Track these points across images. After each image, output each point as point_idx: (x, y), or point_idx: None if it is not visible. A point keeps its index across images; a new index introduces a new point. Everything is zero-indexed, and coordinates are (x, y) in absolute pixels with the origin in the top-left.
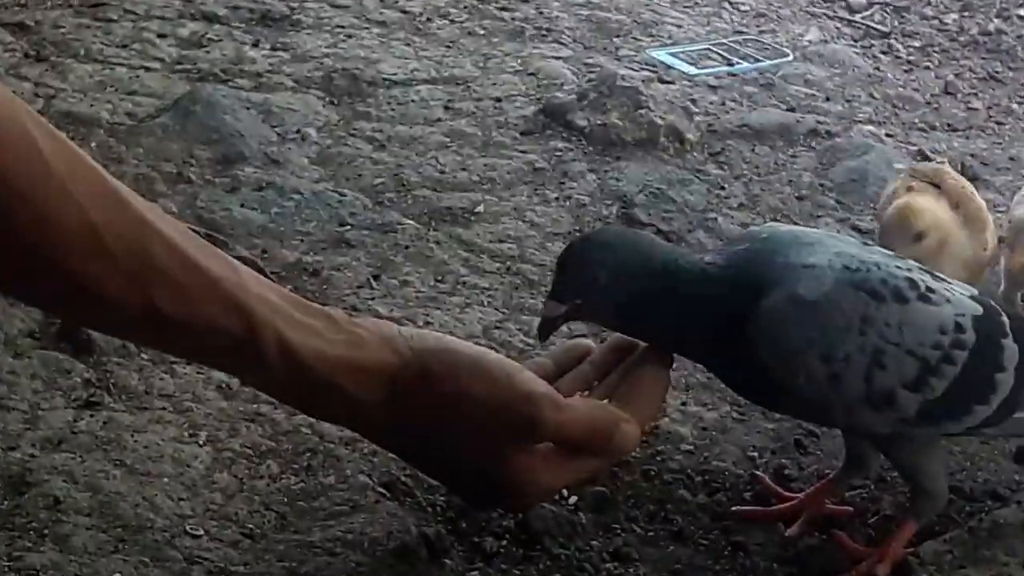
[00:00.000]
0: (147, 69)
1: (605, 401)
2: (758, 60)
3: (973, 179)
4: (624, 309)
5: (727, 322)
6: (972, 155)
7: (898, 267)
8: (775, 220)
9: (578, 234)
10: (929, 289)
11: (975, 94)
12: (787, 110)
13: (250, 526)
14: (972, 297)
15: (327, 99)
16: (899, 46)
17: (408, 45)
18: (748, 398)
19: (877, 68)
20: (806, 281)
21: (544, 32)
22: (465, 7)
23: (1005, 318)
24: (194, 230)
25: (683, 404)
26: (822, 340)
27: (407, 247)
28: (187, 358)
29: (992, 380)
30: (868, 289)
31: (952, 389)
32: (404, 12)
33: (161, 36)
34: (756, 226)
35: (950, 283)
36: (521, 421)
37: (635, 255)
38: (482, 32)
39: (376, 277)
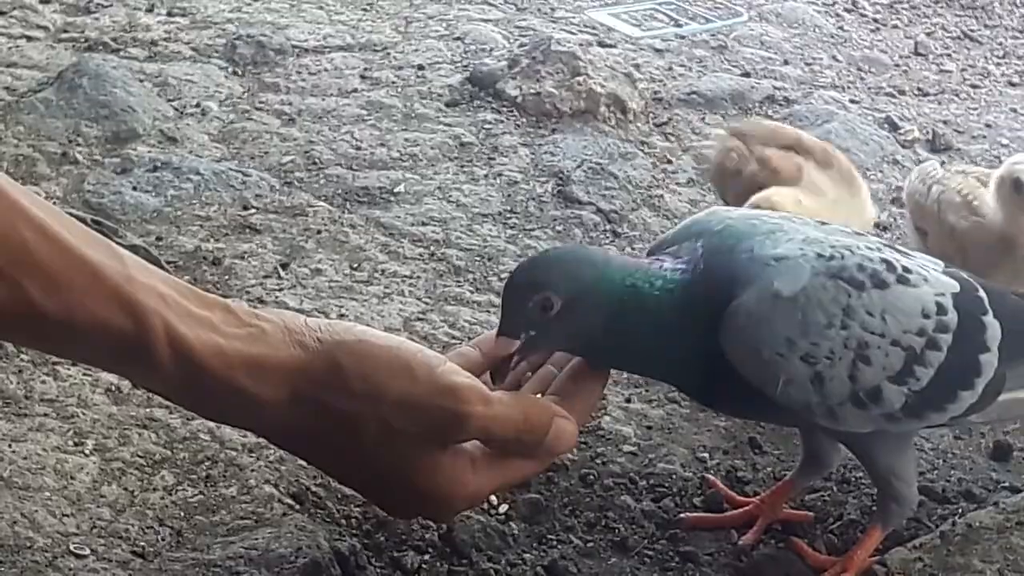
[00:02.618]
0: (28, 38)
1: (538, 395)
2: (709, 20)
3: (946, 148)
4: (584, 336)
5: (698, 332)
6: (945, 121)
7: (869, 247)
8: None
9: (520, 259)
10: (906, 269)
11: (948, 55)
12: (741, 75)
13: (142, 544)
14: (945, 272)
15: (230, 69)
16: (865, 3)
17: (320, 8)
18: (716, 408)
19: (841, 28)
20: (781, 276)
21: None
22: None
23: (983, 292)
24: (80, 217)
25: (627, 401)
26: (802, 340)
27: (319, 232)
28: (70, 358)
29: (977, 363)
30: (847, 278)
31: (938, 377)
32: None
33: (44, 1)
34: (698, 213)
35: (916, 256)
36: (445, 418)
37: (588, 273)
38: None
39: (284, 266)
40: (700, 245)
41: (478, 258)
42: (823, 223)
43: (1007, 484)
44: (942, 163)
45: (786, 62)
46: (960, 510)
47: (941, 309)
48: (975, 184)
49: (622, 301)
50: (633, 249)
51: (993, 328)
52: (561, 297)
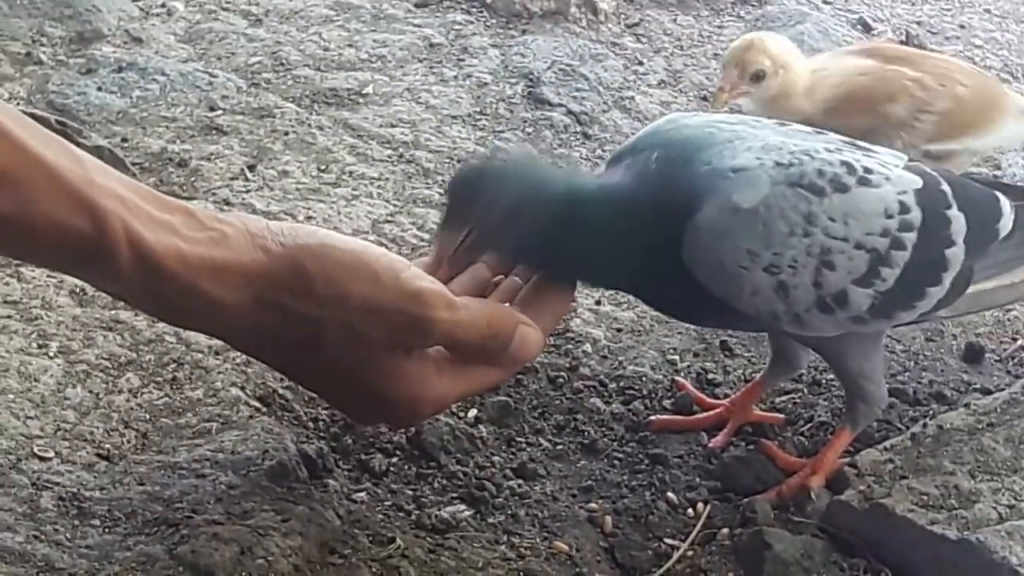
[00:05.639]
0: None
1: (506, 304)
2: None
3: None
4: (532, 244)
5: (660, 245)
6: (918, 23)
7: (828, 149)
8: (701, 98)
9: (464, 162)
10: (867, 169)
11: None
12: None
13: (107, 446)
14: (907, 167)
15: None
16: None
17: None
18: (684, 320)
19: None
20: (740, 188)
21: None
22: None
23: (947, 185)
24: (44, 118)
25: (596, 303)
26: (765, 251)
27: (286, 133)
28: (31, 262)
29: (943, 257)
30: (807, 185)
31: (904, 276)
32: None
33: None
34: (657, 120)
35: (878, 153)
36: (409, 323)
37: (525, 181)
38: None
39: (251, 167)
40: (655, 157)
41: (447, 160)
42: (783, 124)
43: (978, 386)
44: None
45: None
46: (931, 412)
47: (904, 208)
48: None
49: (565, 208)
50: (604, 151)
51: (958, 221)
52: (502, 211)
